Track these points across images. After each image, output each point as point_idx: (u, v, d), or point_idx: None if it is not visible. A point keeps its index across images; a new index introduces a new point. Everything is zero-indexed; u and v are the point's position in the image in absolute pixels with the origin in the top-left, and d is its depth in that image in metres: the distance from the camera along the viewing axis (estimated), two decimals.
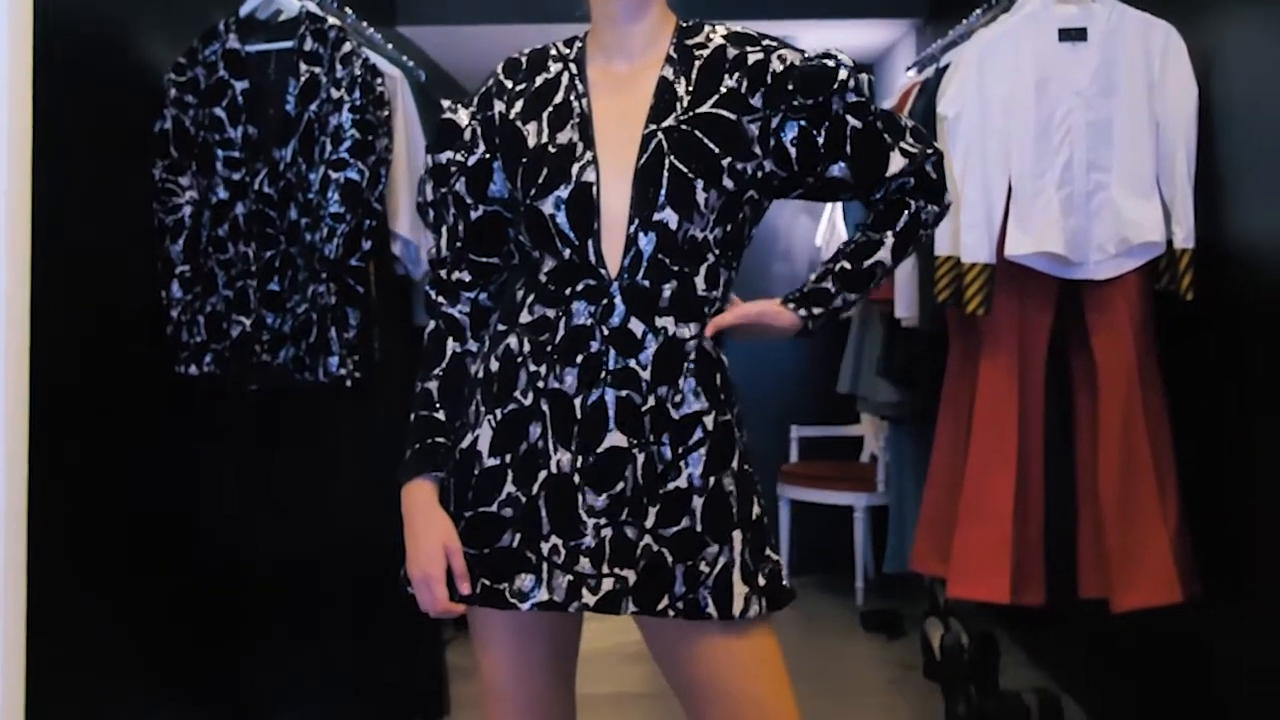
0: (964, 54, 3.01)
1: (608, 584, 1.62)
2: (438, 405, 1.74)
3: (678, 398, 1.65)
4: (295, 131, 2.91)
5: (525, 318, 1.69)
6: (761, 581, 1.66)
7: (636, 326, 1.64)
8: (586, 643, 1.84)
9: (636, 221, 1.63)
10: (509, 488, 1.65)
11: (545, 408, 1.65)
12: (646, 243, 1.63)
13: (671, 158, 1.64)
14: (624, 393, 1.64)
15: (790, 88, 1.70)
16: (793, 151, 1.71)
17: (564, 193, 1.65)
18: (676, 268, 1.65)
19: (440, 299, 1.79)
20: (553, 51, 1.78)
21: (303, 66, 2.93)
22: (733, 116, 1.68)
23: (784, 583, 1.70)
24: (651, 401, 1.64)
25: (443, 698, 3.42)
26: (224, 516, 3.07)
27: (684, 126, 1.66)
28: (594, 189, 1.65)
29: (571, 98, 1.72)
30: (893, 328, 3.54)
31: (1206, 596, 2.77)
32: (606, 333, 1.64)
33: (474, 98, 1.80)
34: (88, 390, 2.66)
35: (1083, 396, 2.94)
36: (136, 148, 2.95)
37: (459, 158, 1.77)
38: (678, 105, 1.68)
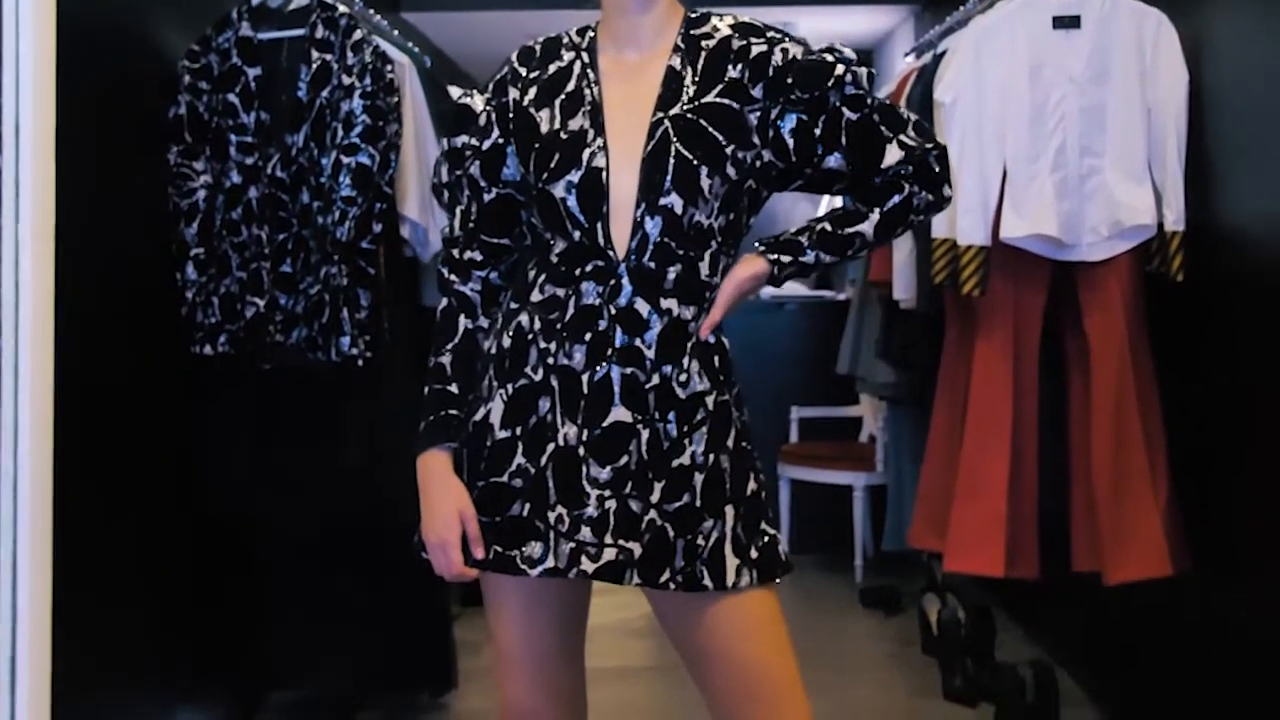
0: (961, 40, 3.06)
1: (609, 554, 1.67)
2: (451, 379, 1.78)
3: (683, 377, 1.70)
4: (307, 117, 2.95)
5: (536, 296, 1.74)
6: (754, 554, 1.71)
7: (642, 307, 1.70)
8: (592, 617, 1.88)
9: (643, 205, 1.69)
10: (519, 459, 1.71)
11: (554, 383, 1.71)
12: (653, 226, 1.69)
13: (677, 145, 1.69)
14: (629, 370, 1.69)
15: (789, 81, 1.74)
16: (790, 142, 1.76)
17: (574, 177, 1.70)
18: (681, 252, 1.70)
19: (453, 277, 1.84)
20: (565, 40, 1.83)
21: (314, 53, 2.97)
22: (735, 106, 1.73)
23: (780, 555, 1.74)
24: (656, 379, 1.69)
25: (450, 672, 3.45)
26: (236, 493, 3.11)
27: (689, 115, 1.71)
28: (603, 174, 1.70)
29: (583, 85, 1.77)
30: (891, 310, 3.57)
31: (1196, 570, 2.83)
32: (614, 312, 1.70)
33: (489, 84, 1.85)
34: (105, 371, 2.71)
35: (1076, 376, 2.99)
36: (151, 133, 3.00)
37: (474, 142, 1.82)
38: (684, 94, 1.73)
